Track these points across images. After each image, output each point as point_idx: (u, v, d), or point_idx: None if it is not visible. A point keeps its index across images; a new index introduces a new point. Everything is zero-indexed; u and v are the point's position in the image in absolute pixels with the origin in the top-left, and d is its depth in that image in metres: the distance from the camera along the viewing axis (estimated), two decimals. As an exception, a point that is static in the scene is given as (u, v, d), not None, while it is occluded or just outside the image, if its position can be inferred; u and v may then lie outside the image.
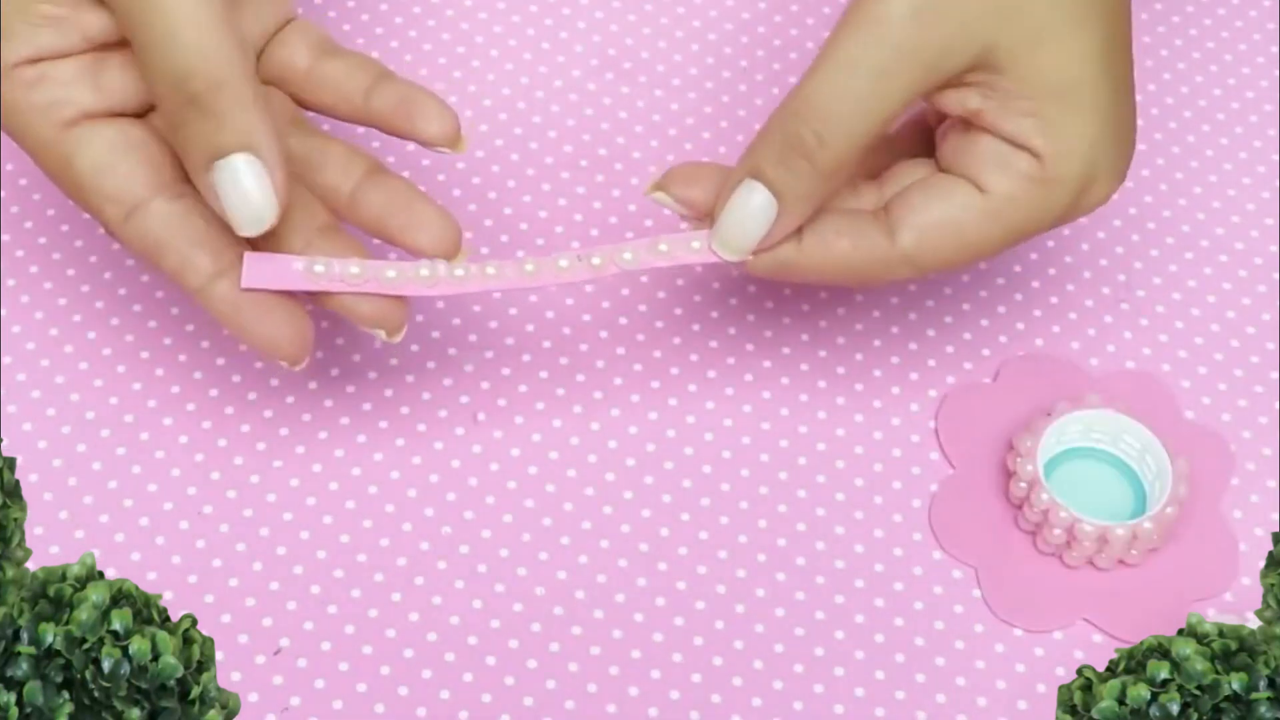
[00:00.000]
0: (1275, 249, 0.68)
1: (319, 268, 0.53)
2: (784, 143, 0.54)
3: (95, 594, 0.46)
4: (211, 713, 0.47)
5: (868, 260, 0.56)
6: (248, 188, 0.51)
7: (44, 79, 0.53)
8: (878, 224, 0.56)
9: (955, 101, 0.55)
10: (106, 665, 0.45)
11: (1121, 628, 0.59)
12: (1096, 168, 0.56)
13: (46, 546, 0.58)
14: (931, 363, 0.64)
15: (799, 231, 0.56)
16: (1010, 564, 0.60)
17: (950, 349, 0.64)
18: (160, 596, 0.48)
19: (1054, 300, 0.66)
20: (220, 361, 0.62)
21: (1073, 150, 0.55)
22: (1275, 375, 0.65)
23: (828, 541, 0.60)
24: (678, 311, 0.65)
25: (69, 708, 0.45)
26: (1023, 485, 0.60)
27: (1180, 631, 0.49)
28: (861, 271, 0.56)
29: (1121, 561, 0.60)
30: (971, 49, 0.53)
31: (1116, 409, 0.61)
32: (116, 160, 0.52)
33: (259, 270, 0.53)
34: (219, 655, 0.56)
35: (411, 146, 0.67)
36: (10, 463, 0.50)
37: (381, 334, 0.55)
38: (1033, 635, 0.59)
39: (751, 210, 0.54)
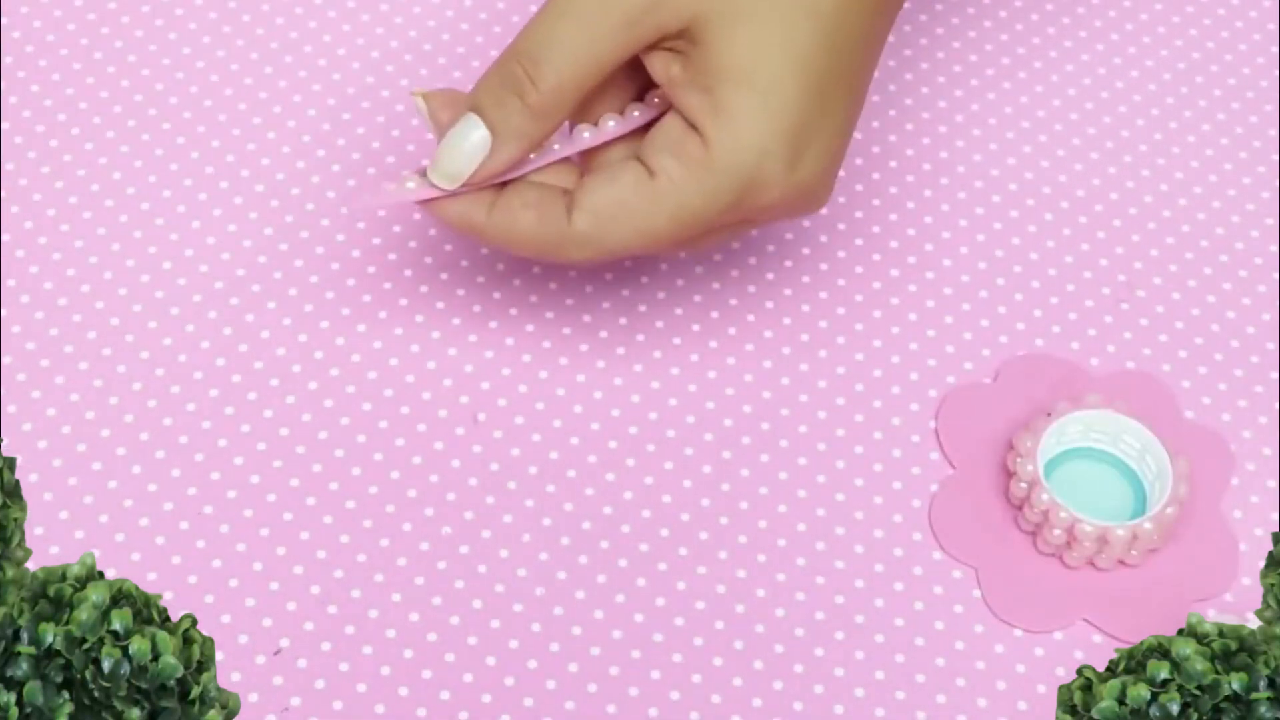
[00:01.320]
0: (1275, 249, 0.68)
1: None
2: (501, 81, 0.56)
3: (95, 594, 0.46)
4: (211, 713, 0.47)
5: (550, 237, 0.57)
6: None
7: None
8: (563, 202, 0.57)
9: (660, 65, 0.56)
10: (106, 665, 0.45)
11: (1121, 628, 0.59)
12: (764, 164, 0.56)
13: (46, 546, 0.58)
14: (931, 363, 0.64)
15: (493, 192, 0.57)
16: (1010, 564, 0.60)
17: (950, 349, 0.64)
18: (160, 596, 0.48)
19: (1054, 300, 0.66)
20: (220, 362, 0.62)
21: (738, 140, 0.55)
22: (1275, 375, 0.65)
23: (828, 541, 0.60)
24: (678, 312, 0.65)
25: (69, 708, 0.45)
26: (1023, 485, 0.60)
27: (1180, 631, 0.49)
28: (544, 247, 0.57)
29: (1121, 562, 0.60)
30: (680, 13, 0.55)
31: (1116, 409, 0.61)
32: None
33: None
34: (219, 655, 0.56)
35: (412, 146, 0.67)
36: (10, 463, 0.50)
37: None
38: (1033, 635, 0.59)
39: (468, 141, 0.56)
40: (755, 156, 0.55)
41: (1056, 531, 0.59)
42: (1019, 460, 0.60)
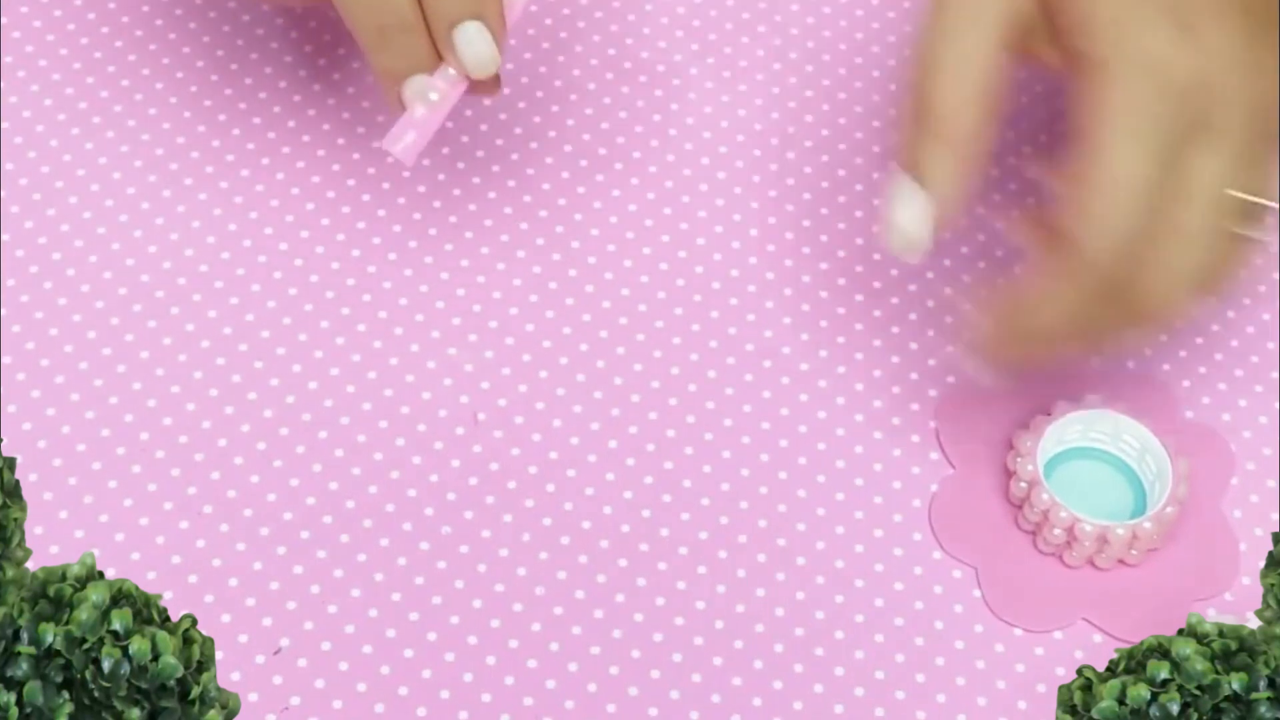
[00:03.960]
0: (1275, 249, 0.68)
1: (433, 95, 0.58)
2: (913, 126, 0.56)
3: (95, 594, 0.46)
4: (211, 713, 0.47)
5: None
6: (480, 49, 0.57)
7: None
8: None
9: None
10: (106, 665, 0.45)
11: (1121, 627, 0.59)
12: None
13: (46, 546, 0.58)
14: (931, 362, 0.64)
15: None
16: (1010, 564, 0.60)
17: (950, 349, 0.64)
18: (160, 596, 0.48)
19: (1054, 300, 0.66)
20: (220, 361, 0.62)
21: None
22: (1275, 375, 0.65)
23: (828, 541, 0.60)
24: (678, 311, 0.65)
25: (69, 708, 0.45)
26: (1023, 485, 0.60)
27: (1180, 631, 0.49)
28: None
29: (1121, 561, 0.60)
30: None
31: (1116, 409, 0.61)
32: None
33: (406, 142, 0.58)
34: (219, 655, 0.56)
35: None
36: (10, 463, 0.50)
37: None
38: (1033, 635, 0.59)
39: (908, 210, 0.56)
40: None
41: (1056, 531, 0.59)
42: (1019, 460, 0.60)
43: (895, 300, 0.65)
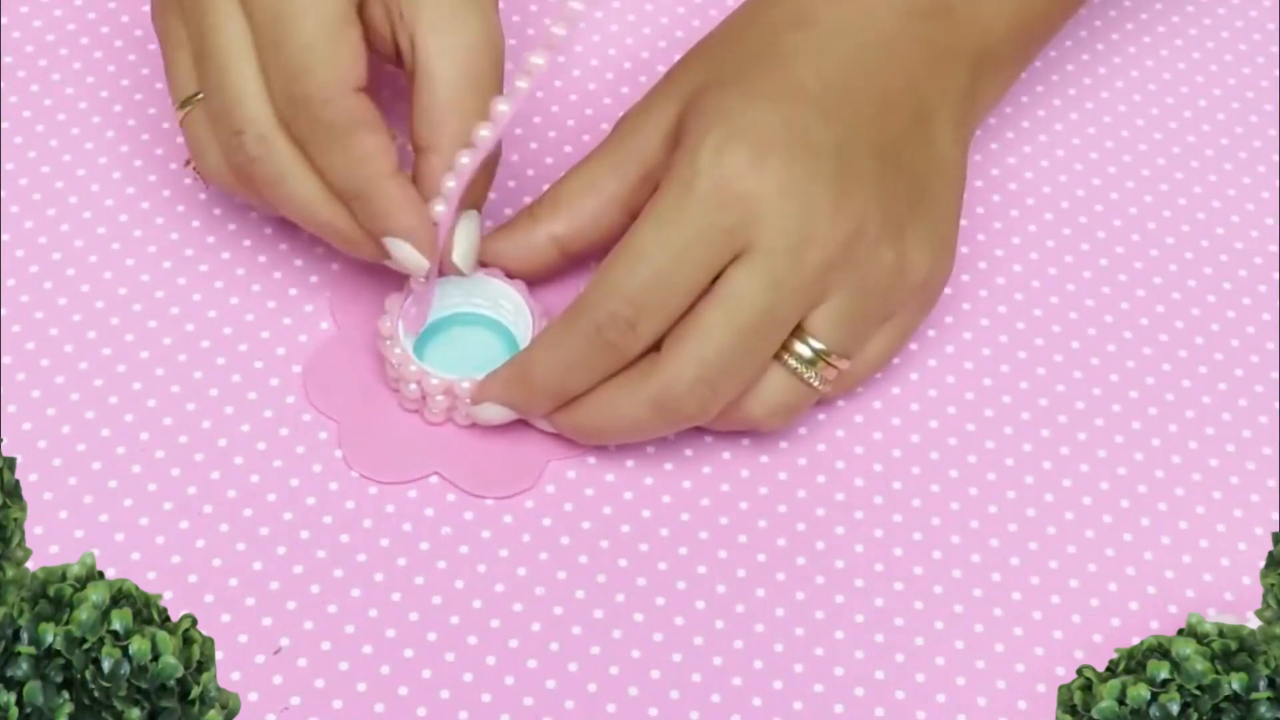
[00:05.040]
0: (1275, 249, 0.68)
1: (422, 279, 0.60)
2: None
3: (95, 594, 0.46)
4: (211, 713, 0.47)
5: None
6: (406, 258, 0.59)
7: None
8: None
9: None
10: (106, 665, 0.45)
11: (474, 484, 0.60)
12: None
13: (46, 546, 0.58)
14: (933, 362, 0.64)
15: None
16: (373, 419, 0.61)
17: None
18: (160, 596, 0.48)
19: (1054, 300, 0.66)
20: (220, 361, 0.62)
21: None
22: (1275, 375, 0.65)
23: (828, 541, 0.60)
24: (678, 311, 0.65)
25: (69, 708, 0.45)
26: (386, 342, 0.61)
27: (1180, 631, 0.49)
28: None
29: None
30: None
31: (490, 274, 0.62)
32: None
33: (409, 315, 0.61)
34: (219, 655, 0.56)
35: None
36: (10, 463, 0.50)
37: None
38: (1031, 635, 0.59)
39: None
40: None
41: (411, 386, 0.60)
42: (384, 318, 0.61)
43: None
